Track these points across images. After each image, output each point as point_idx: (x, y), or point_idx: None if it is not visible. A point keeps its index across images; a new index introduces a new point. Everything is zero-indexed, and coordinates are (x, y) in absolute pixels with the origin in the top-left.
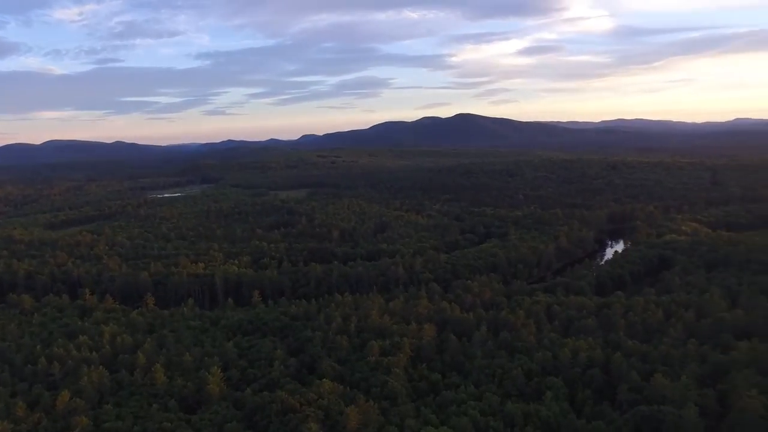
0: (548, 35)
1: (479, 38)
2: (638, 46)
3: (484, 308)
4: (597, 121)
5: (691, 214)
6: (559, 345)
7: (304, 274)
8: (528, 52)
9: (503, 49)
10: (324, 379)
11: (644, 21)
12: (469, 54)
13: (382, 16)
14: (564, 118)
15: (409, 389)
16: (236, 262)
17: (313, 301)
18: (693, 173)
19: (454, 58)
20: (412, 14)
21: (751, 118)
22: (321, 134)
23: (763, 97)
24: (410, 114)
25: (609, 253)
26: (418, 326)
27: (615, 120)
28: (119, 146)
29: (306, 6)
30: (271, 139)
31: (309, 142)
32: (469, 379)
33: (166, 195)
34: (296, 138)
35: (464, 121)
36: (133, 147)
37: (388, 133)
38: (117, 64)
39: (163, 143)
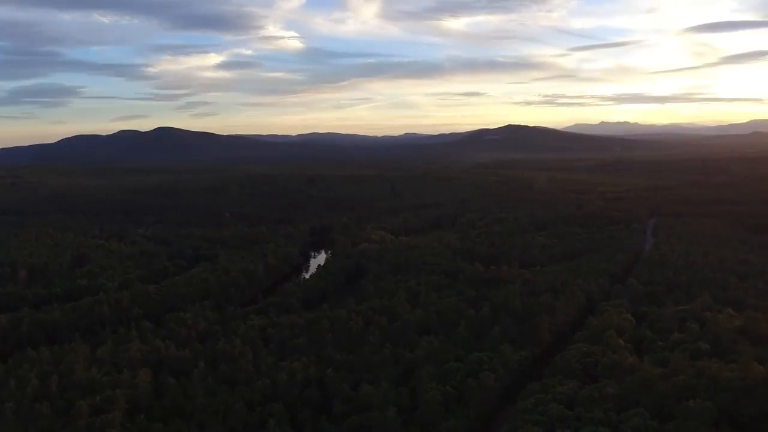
0: (246, 51)
1: (177, 50)
2: (327, 66)
3: (200, 341)
4: (295, 134)
5: (378, 222)
6: (277, 369)
7: None
8: (227, 66)
9: (202, 62)
10: None
11: (331, 45)
12: (168, 65)
13: (66, 17)
14: (265, 132)
15: None
16: None
17: None
18: (377, 184)
19: (151, 69)
20: (102, 18)
21: (417, 133)
22: None
23: (427, 116)
24: (105, 126)
25: (313, 267)
26: (131, 373)
27: (311, 133)
28: None
29: None
30: None
31: None
32: (192, 422)
33: None
34: None
35: (165, 134)
36: None
37: (81, 147)
38: None
39: None
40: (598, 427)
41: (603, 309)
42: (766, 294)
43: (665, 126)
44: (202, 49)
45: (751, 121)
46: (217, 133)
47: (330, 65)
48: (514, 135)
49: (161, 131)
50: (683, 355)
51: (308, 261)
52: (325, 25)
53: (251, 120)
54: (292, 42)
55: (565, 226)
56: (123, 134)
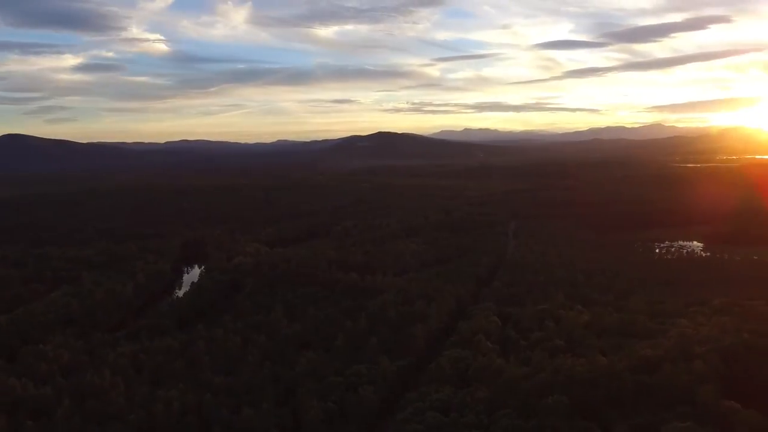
0: (107, 53)
1: (27, 49)
2: (196, 71)
3: (63, 375)
4: (163, 141)
5: (253, 234)
6: (152, 399)
7: None
8: (86, 68)
9: (57, 63)
10: None
11: (199, 49)
12: (16, 65)
13: None
14: (129, 139)
15: None
16: None
17: None
18: (250, 194)
19: None
20: None
21: (290, 140)
22: None
23: (299, 123)
24: None
25: (187, 283)
26: None
27: (179, 141)
28: None
29: None
30: None
31: None
32: None
33: None
34: None
35: (15, 142)
36: None
37: None
38: None
39: None
40: (471, 430)
41: (472, 313)
42: (608, 290)
43: (521, 132)
44: (57, 49)
45: (590, 128)
46: (75, 140)
47: (199, 70)
48: (385, 141)
49: (10, 138)
50: (543, 354)
51: (181, 278)
52: (193, 29)
53: (114, 126)
54: (158, 45)
55: (435, 232)
56: None
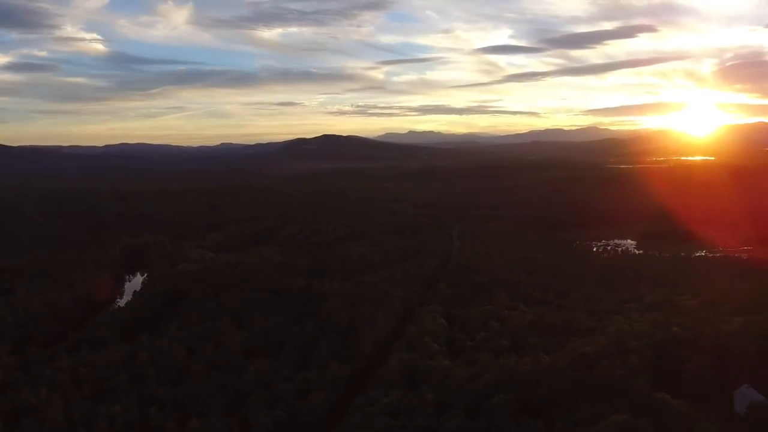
0: (39, 52)
1: None
2: (135, 73)
3: None
4: (101, 145)
5: (197, 240)
6: (93, 416)
7: None
8: (16, 68)
9: None
10: None
11: (139, 50)
12: None
13: None
14: (65, 142)
15: None
16: None
17: None
18: (194, 198)
19: None
20: None
21: (234, 143)
22: None
23: (243, 125)
24: None
25: (129, 293)
26: None
27: (119, 144)
28: None
29: None
30: None
31: None
32: None
33: None
34: None
35: None
36: None
37: None
38: None
39: None
40: None
41: (419, 315)
42: (549, 288)
43: (464, 135)
44: None
45: (530, 131)
46: (6, 143)
47: (138, 71)
48: (330, 144)
49: None
50: (488, 354)
51: (123, 287)
52: (132, 29)
53: (49, 129)
54: (94, 45)
55: (381, 234)
56: None
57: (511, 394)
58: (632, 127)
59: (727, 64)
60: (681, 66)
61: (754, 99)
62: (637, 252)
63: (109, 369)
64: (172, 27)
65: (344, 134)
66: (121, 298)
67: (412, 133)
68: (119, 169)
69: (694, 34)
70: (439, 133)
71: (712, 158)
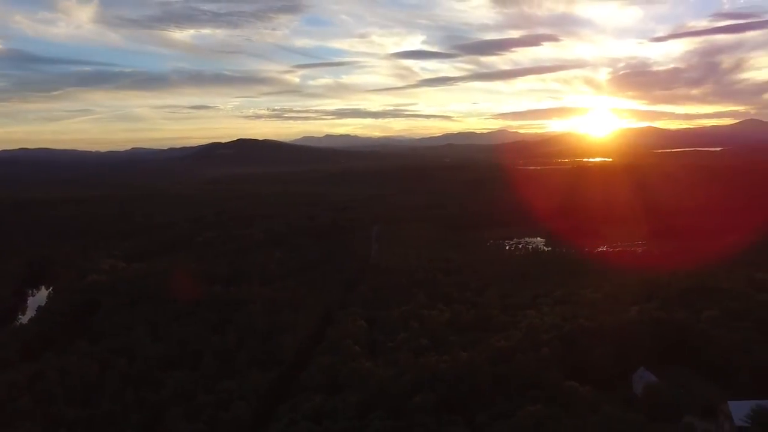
0: None
1: None
2: (35, 73)
3: None
4: None
5: (108, 249)
6: None
7: None
8: None
9: None
10: None
11: (39, 49)
12: None
13: None
14: None
15: None
16: None
17: None
18: (103, 206)
19: None
20: None
21: (145, 148)
22: None
23: (154, 129)
24: None
25: (33, 308)
26: None
27: (18, 149)
28: None
29: None
30: None
31: None
32: None
33: None
34: None
35: None
36: None
37: None
38: None
39: None
40: None
41: (340, 318)
42: (465, 286)
43: (380, 138)
44: None
45: (444, 134)
46: None
47: (39, 72)
48: (246, 148)
49: None
50: (409, 354)
51: (26, 302)
52: (30, 26)
53: None
54: None
55: (300, 239)
56: None
57: (432, 393)
58: (539, 130)
59: (620, 73)
60: (581, 73)
61: (642, 105)
62: (546, 249)
63: (11, 392)
64: (76, 25)
65: (260, 138)
66: (23, 314)
67: (328, 136)
68: (18, 175)
69: (592, 44)
70: (355, 137)
71: (609, 159)
